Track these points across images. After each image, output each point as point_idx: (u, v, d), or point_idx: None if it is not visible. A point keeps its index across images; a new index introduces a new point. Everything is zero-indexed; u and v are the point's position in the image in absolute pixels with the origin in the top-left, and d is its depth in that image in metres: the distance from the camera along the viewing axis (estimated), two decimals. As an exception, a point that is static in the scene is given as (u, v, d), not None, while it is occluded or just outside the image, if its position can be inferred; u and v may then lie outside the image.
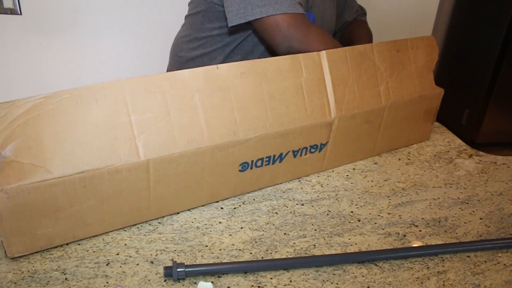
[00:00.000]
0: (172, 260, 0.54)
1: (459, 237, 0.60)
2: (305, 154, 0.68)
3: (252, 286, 0.50)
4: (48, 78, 1.48)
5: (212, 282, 0.50)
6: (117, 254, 0.54)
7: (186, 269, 0.50)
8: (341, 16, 1.08)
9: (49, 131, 0.49)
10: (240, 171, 0.63)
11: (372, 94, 0.71)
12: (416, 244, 0.58)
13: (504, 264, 0.55)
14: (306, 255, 0.55)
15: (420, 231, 0.61)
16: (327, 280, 0.51)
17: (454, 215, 0.65)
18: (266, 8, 0.77)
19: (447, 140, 0.88)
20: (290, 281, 0.51)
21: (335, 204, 0.66)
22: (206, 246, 0.56)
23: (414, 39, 0.77)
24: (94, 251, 0.55)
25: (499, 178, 0.75)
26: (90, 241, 0.56)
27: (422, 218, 0.64)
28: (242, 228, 0.60)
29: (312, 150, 0.68)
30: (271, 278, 0.52)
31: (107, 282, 0.50)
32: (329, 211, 0.64)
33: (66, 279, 0.50)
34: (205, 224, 0.60)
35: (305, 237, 0.59)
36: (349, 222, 0.62)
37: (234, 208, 0.64)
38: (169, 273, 0.50)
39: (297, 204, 0.66)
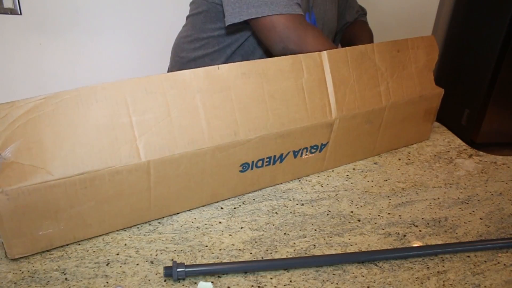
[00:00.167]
0: (172, 260, 0.54)
1: (459, 237, 0.60)
2: (306, 155, 0.68)
3: (252, 286, 0.50)
4: (48, 78, 1.48)
5: (212, 282, 0.50)
6: (117, 254, 0.54)
7: (186, 269, 0.50)
8: (342, 17, 1.08)
9: (49, 132, 0.49)
10: (241, 171, 0.63)
11: (373, 94, 0.71)
12: (416, 244, 0.58)
13: (504, 264, 0.55)
14: (306, 255, 0.55)
15: (420, 231, 0.61)
16: (327, 280, 0.51)
17: (454, 215, 0.65)
18: (262, 8, 0.76)
19: (447, 140, 0.88)
20: (290, 281, 0.51)
21: (335, 204, 0.66)
22: (206, 246, 0.56)
23: (415, 39, 0.76)
24: (94, 251, 0.55)
25: (499, 178, 0.75)
26: (90, 241, 0.56)
27: (422, 218, 0.64)
28: (242, 228, 0.60)
29: (313, 150, 0.68)
30: (271, 278, 0.52)
31: (107, 282, 0.50)
32: (329, 211, 0.64)
33: (66, 279, 0.50)
34: (205, 224, 0.60)
35: (305, 237, 0.59)
36: (349, 222, 0.62)
37: (234, 208, 0.64)
38: (169, 273, 0.50)
39: (297, 204, 0.66)
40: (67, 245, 0.55)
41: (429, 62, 0.79)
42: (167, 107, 0.54)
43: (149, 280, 0.51)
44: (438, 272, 0.53)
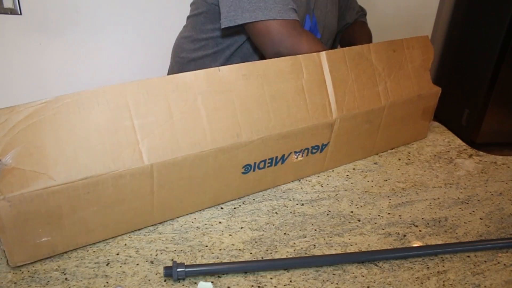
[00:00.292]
0: (172, 260, 0.54)
1: (459, 237, 0.60)
2: (307, 155, 0.68)
3: (252, 286, 0.50)
4: (48, 78, 1.48)
5: (212, 282, 0.50)
6: (117, 254, 0.54)
7: (186, 269, 0.50)
8: (342, 18, 1.08)
9: (50, 137, 0.48)
10: (243, 173, 0.63)
11: (372, 94, 0.71)
12: (416, 244, 0.58)
13: (504, 264, 0.55)
14: (306, 255, 0.55)
15: (420, 231, 0.61)
16: (327, 280, 0.52)
17: (454, 215, 0.65)
18: (256, 13, 0.76)
19: (447, 140, 0.88)
20: (290, 281, 0.51)
21: (335, 204, 0.66)
22: (206, 246, 0.56)
23: (409, 39, 0.77)
24: (94, 251, 0.55)
25: (499, 178, 0.75)
26: (90, 241, 0.56)
27: (422, 218, 0.64)
28: (242, 228, 0.60)
29: (314, 150, 0.68)
30: (271, 278, 0.52)
31: (107, 282, 0.50)
32: (329, 211, 0.64)
33: (66, 279, 0.50)
34: (205, 224, 0.60)
35: (305, 237, 0.59)
36: (349, 222, 0.62)
37: (234, 208, 0.64)
38: (169, 273, 0.50)
39: (297, 204, 0.66)
40: (73, 248, 0.55)
41: (425, 61, 0.79)
42: (169, 110, 0.54)
43: (149, 280, 0.51)
44: (438, 272, 0.53)
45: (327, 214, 0.63)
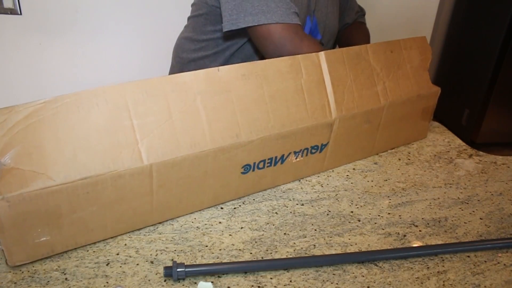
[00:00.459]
0: (172, 260, 0.54)
1: (459, 237, 0.60)
2: (306, 155, 0.68)
3: (252, 286, 0.50)
4: (48, 78, 1.48)
5: (212, 282, 0.50)
6: (117, 254, 0.54)
7: (186, 269, 0.50)
8: (342, 18, 1.08)
9: (49, 137, 0.48)
10: (243, 173, 0.63)
11: (371, 94, 0.71)
12: (416, 244, 0.58)
13: (504, 264, 0.55)
14: (306, 255, 0.55)
15: (420, 231, 0.61)
16: (327, 280, 0.52)
17: (454, 215, 0.65)
18: (259, 17, 0.76)
19: (447, 140, 0.88)
20: (290, 281, 0.51)
21: (335, 204, 0.66)
22: (206, 246, 0.56)
23: (407, 40, 0.77)
24: (94, 251, 0.55)
25: (499, 178, 0.75)
26: (90, 241, 0.56)
27: (422, 218, 0.64)
28: (242, 228, 0.60)
29: (313, 150, 0.68)
30: (271, 278, 0.52)
31: (107, 282, 0.50)
32: (329, 211, 0.64)
33: (66, 279, 0.50)
34: (205, 224, 0.60)
35: (305, 237, 0.59)
36: (349, 222, 0.62)
37: (234, 208, 0.64)
38: (169, 273, 0.50)
39: (297, 204, 0.66)
40: (72, 248, 0.55)
41: (423, 61, 0.79)
42: (168, 110, 0.54)
43: (149, 280, 0.51)
44: (438, 272, 0.53)
45: (327, 214, 0.63)
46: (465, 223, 0.63)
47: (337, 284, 0.51)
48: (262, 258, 0.55)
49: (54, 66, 1.47)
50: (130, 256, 0.54)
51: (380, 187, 0.71)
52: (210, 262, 0.54)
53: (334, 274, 0.52)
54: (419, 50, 0.79)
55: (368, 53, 0.71)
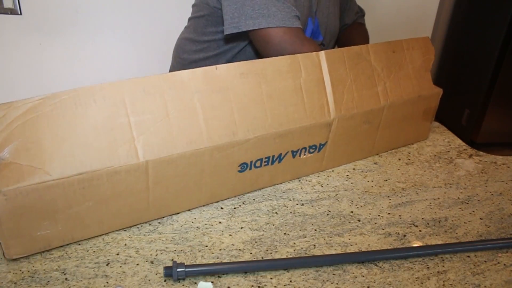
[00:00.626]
0: (172, 260, 0.54)
1: (459, 237, 0.60)
2: (304, 155, 0.68)
3: (252, 286, 0.50)
4: (48, 78, 1.48)
5: (212, 282, 0.50)
6: (117, 254, 0.54)
7: (186, 269, 0.50)
8: (341, 19, 1.08)
9: (47, 133, 0.49)
10: (239, 171, 0.63)
11: (371, 95, 0.71)
12: (416, 244, 0.58)
13: (504, 264, 0.55)
14: (306, 255, 0.55)
15: (420, 231, 0.61)
16: (327, 280, 0.51)
17: (454, 215, 0.65)
18: (259, 20, 0.76)
19: (447, 140, 0.88)
20: (290, 281, 0.51)
21: (335, 204, 0.66)
22: (206, 246, 0.56)
23: (409, 40, 0.77)
24: (94, 251, 0.55)
25: (499, 178, 0.75)
26: (90, 241, 0.56)
27: (422, 218, 0.64)
28: (242, 228, 0.60)
29: (311, 150, 0.68)
30: (271, 278, 0.52)
31: (107, 282, 0.50)
32: (329, 211, 0.64)
33: (66, 279, 0.50)
34: (205, 224, 0.60)
35: (305, 237, 0.59)
36: (349, 222, 0.62)
37: (234, 208, 0.64)
38: (169, 273, 0.50)
39: (297, 204, 0.66)
40: (67, 245, 0.55)
41: (425, 62, 0.79)
42: (165, 108, 0.54)
43: (149, 280, 0.51)
44: (438, 272, 0.53)
45: (327, 214, 0.63)
46: (465, 223, 0.63)
47: (337, 284, 0.51)
48: (262, 258, 0.55)
49: (54, 66, 1.47)
50: (130, 256, 0.54)
51: (380, 187, 0.71)
52: (210, 262, 0.54)
53: (334, 274, 0.52)
54: (422, 50, 0.78)
55: (369, 53, 0.71)
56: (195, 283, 0.50)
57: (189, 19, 0.99)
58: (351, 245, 0.57)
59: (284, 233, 0.59)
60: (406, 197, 0.68)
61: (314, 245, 0.57)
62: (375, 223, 0.62)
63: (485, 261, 0.55)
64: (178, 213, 0.62)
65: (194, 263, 0.53)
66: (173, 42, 1.04)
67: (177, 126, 0.55)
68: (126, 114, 0.52)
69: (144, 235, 0.58)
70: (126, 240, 0.57)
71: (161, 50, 1.39)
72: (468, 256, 0.56)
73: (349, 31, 1.09)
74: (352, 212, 0.64)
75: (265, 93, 0.61)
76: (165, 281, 0.51)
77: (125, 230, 0.59)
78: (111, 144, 0.51)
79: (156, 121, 0.54)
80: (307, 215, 0.63)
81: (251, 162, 0.62)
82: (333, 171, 0.75)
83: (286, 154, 0.66)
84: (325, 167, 0.74)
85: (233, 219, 0.62)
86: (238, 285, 0.50)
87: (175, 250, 0.55)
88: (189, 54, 0.96)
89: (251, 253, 0.55)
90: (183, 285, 0.50)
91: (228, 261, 0.54)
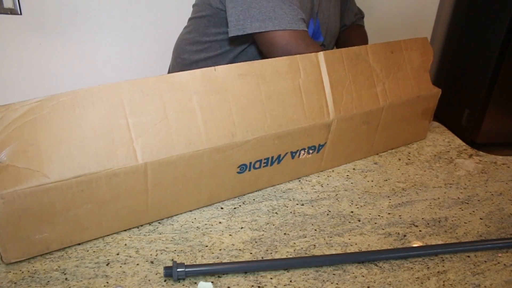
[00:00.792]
0: (172, 260, 0.54)
1: (459, 237, 0.60)
2: (303, 155, 0.68)
3: (252, 286, 0.50)
4: (48, 78, 1.48)
5: (212, 282, 0.50)
6: (117, 254, 0.54)
7: (186, 269, 0.50)
8: (341, 20, 1.08)
9: (45, 135, 0.48)
10: (238, 173, 0.63)
11: (370, 95, 0.71)
12: (416, 244, 0.58)
13: (504, 264, 0.55)
14: (306, 255, 0.55)
15: (420, 231, 0.61)
16: (327, 280, 0.52)
17: (454, 215, 0.65)
18: (266, 23, 0.76)
19: (447, 140, 0.88)
20: (290, 281, 0.51)
21: (335, 204, 0.66)
22: (206, 246, 0.56)
23: (408, 40, 0.77)
24: (94, 251, 0.55)
25: (499, 178, 0.75)
26: (90, 241, 0.56)
27: (422, 218, 0.64)
28: (242, 228, 0.60)
29: (310, 151, 0.68)
30: (271, 278, 0.52)
31: (107, 282, 0.50)
32: (329, 211, 0.64)
33: (66, 279, 0.50)
34: (205, 224, 0.60)
35: (305, 237, 0.59)
36: (349, 222, 0.62)
37: (234, 208, 0.64)
38: (169, 273, 0.50)
39: (297, 204, 0.66)
40: (67, 246, 0.55)
41: (424, 63, 0.79)
42: (164, 109, 0.54)
43: (149, 280, 0.51)
44: (438, 272, 0.53)
45: (327, 214, 0.63)
46: (465, 223, 0.63)
47: (337, 284, 0.51)
48: (262, 258, 0.55)
49: (54, 66, 1.47)
50: (130, 256, 0.54)
51: (380, 187, 0.71)
52: (210, 262, 0.54)
53: (334, 274, 0.52)
54: (420, 51, 0.78)
55: (368, 53, 0.71)
56: (195, 283, 0.50)
57: (190, 19, 0.98)
58: (351, 245, 0.57)
59: (284, 233, 0.59)
60: (406, 197, 0.68)
61: (314, 245, 0.57)
62: (375, 223, 0.62)
63: (485, 261, 0.55)
64: (177, 214, 0.62)
65: (194, 263, 0.53)
66: (173, 42, 1.03)
67: (176, 128, 0.55)
68: (125, 116, 0.52)
69: (144, 235, 0.58)
70: (126, 240, 0.57)
71: (161, 50, 1.39)
72: (468, 256, 0.56)
73: (347, 32, 1.09)
74: (352, 212, 0.64)
75: (264, 94, 0.61)
76: (165, 281, 0.51)
77: (125, 230, 0.59)
78: (110, 146, 0.51)
79: (154, 122, 0.54)
80: (307, 215, 0.63)
81: (250, 163, 0.62)
82: (333, 171, 0.75)
83: (285, 155, 0.66)
84: (324, 167, 0.74)
85: (233, 219, 0.62)
86: (238, 285, 0.50)
87: (175, 250, 0.55)
88: (190, 54, 0.96)
89: (251, 253, 0.55)
90: (183, 285, 0.50)
91: (228, 261, 0.54)
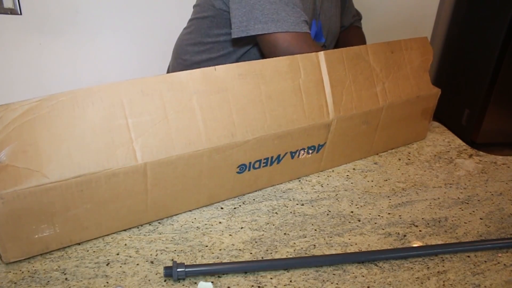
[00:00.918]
0: (172, 260, 0.54)
1: (459, 237, 0.60)
2: (303, 155, 0.68)
3: (252, 286, 0.50)
4: (48, 78, 1.48)
5: (212, 282, 0.50)
6: (117, 254, 0.54)
7: (186, 269, 0.50)
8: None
9: (45, 135, 0.48)
10: (238, 173, 0.63)
11: (369, 95, 0.71)
12: (416, 244, 0.58)
13: (504, 264, 0.55)
14: (306, 255, 0.55)
15: (420, 231, 0.61)
16: (327, 280, 0.52)
17: (454, 215, 0.65)
18: (269, 25, 0.76)
19: (447, 140, 0.88)
20: (290, 281, 0.51)
21: (335, 204, 0.66)
22: (206, 246, 0.56)
23: (408, 40, 0.77)
24: (94, 251, 0.55)
25: (499, 178, 0.75)
26: (90, 241, 0.56)
27: (422, 218, 0.64)
28: (242, 228, 0.60)
29: (310, 151, 0.68)
30: (271, 278, 0.52)
31: (107, 282, 0.50)
32: (329, 211, 0.64)
33: (66, 279, 0.50)
34: (205, 224, 0.60)
35: (305, 237, 0.59)
36: (349, 222, 0.62)
37: (234, 208, 0.64)
38: (169, 273, 0.50)
39: (297, 204, 0.66)
40: (67, 245, 0.55)
41: (424, 62, 0.79)
42: (163, 109, 0.54)
43: (149, 280, 0.51)
44: (438, 272, 0.53)
45: (327, 214, 0.63)
46: (465, 223, 0.63)
47: (337, 284, 0.51)
48: (262, 258, 0.55)
49: (54, 66, 1.47)
50: (130, 256, 0.54)
51: (380, 187, 0.71)
52: (210, 262, 0.54)
53: (334, 274, 0.52)
54: (420, 50, 0.78)
55: (368, 53, 0.71)
56: (195, 283, 0.50)
57: (191, 20, 0.97)
58: (351, 245, 0.57)
59: (284, 233, 0.59)
60: (406, 197, 0.68)
61: (314, 245, 0.57)
62: (375, 223, 0.62)
63: (485, 261, 0.55)
64: (177, 214, 0.62)
65: (194, 263, 0.53)
66: (173, 42, 1.03)
67: (176, 128, 0.55)
68: (124, 116, 0.52)
69: (144, 235, 0.58)
70: (126, 240, 0.57)
71: (161, 50, 1.39)
72: (468, 256, 0.56)
73: (345, 34, 1.09)
74: (352, 212, 0.64)
75: (264, 94, 0.61)
76: (165, 281, 0.51)
77: (125, 230, 0.59)
78: (109, 146, 0.51)
79: (154, 122, 0.54)
80: (307, 215, 0.63)
81: (250, 163, 0.62)
82: (333, 171, 0.75)
83: (284, 155, 0.66)
84: (323, 167, 0.74)
85: (233, 219, 0.62)
86: (238, 285, 0.50)
87: (175, 250, 0.55)
88: (192, 55, 0.95)
89: (251, 253, 0.55)
90: (183, 285, 0.50)
91: (228, 261, 0.54)
